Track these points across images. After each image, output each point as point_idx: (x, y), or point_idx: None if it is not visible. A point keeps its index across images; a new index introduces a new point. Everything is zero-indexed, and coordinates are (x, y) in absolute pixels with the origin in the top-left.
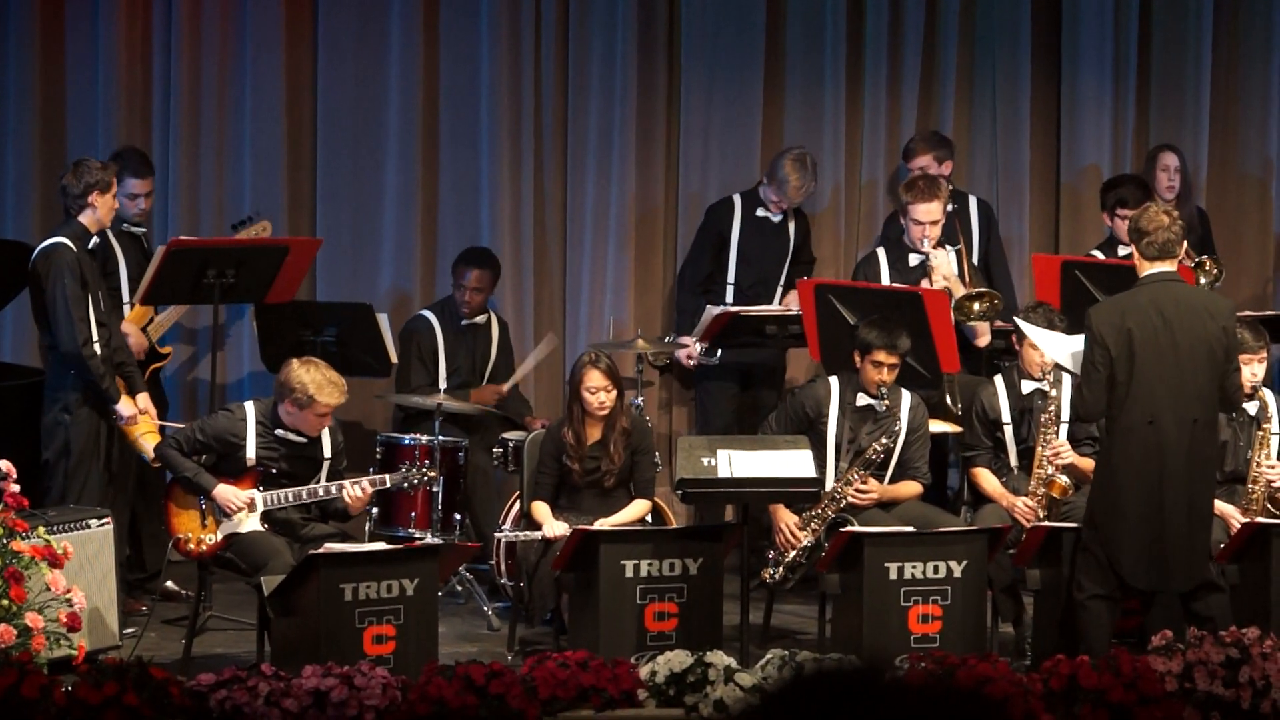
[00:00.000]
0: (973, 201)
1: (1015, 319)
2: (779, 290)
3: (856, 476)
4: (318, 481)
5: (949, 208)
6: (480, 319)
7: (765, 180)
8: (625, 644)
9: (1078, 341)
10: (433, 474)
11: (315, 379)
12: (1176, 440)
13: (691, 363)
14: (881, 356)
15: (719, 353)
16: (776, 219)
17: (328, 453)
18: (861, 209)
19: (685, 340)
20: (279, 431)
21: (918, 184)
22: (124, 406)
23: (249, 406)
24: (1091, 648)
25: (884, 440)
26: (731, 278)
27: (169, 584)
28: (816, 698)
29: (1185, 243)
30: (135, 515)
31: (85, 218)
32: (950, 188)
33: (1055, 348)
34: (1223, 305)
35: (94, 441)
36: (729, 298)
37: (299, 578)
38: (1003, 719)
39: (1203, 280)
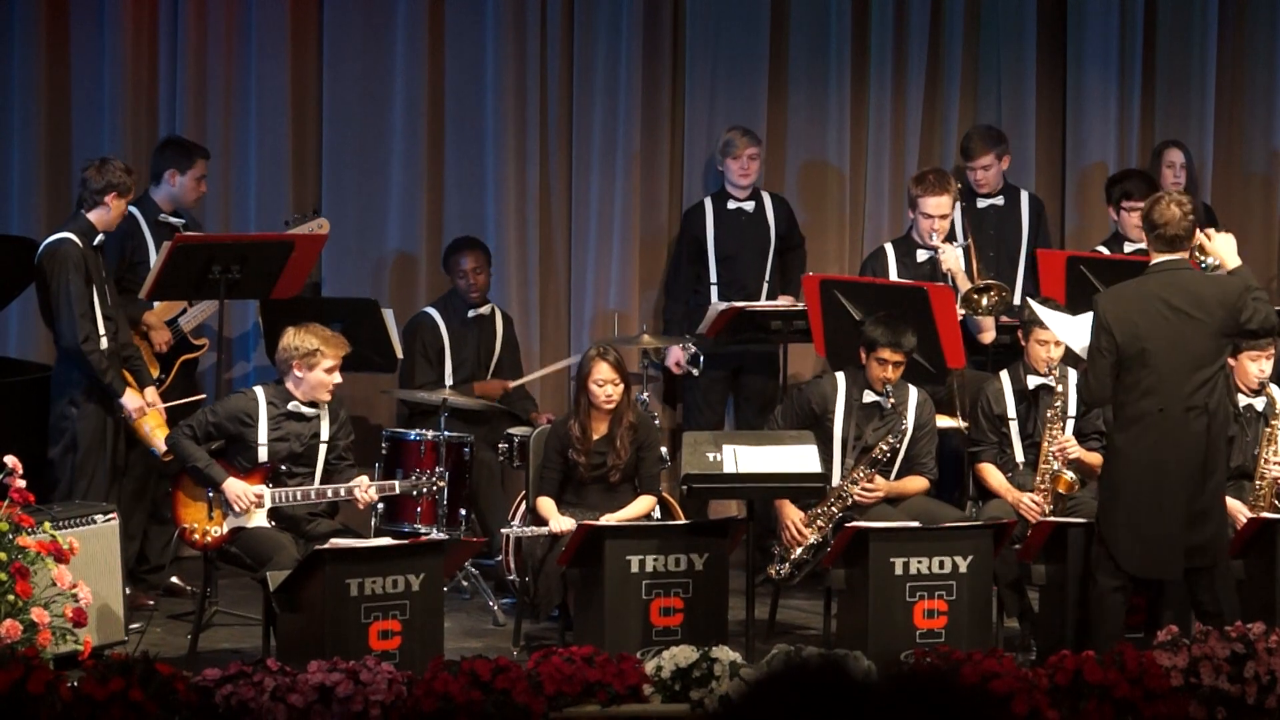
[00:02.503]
0: (1024, 196)
1: (1030, 300)
2: (765, 285)
3: (862, 475)
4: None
5: (998, 200)
6: (484, 310)
7: (719, 164)
8: (631, 639)
9: (1086, 324)
10: (441, 483)
11: (319, 334)
12: (1187, 428)
13: (679, 370)
14: (887, 354)
15: (701, 360)
16: (750, 208)
17: (325, 434)
18: (866, 207)
19: (673, 349)
20: (291, 405)
21: (928, 177)
22: (129, 400)
23: (258, 389)
24: (1108, 641)
25: (890, 439)
26: (714, 277)
27: (174, 580)
28: (789, 693)
29: (1197, 233)
30: (139, 508)
31: (95, 215)
32: (1000, 183)
33: (1066, 330)
34: (1232, 285)
35: (100, 436)
36: (714, 298)
37: (305, 573)
38: (984, 709)
39: (1211, 260)
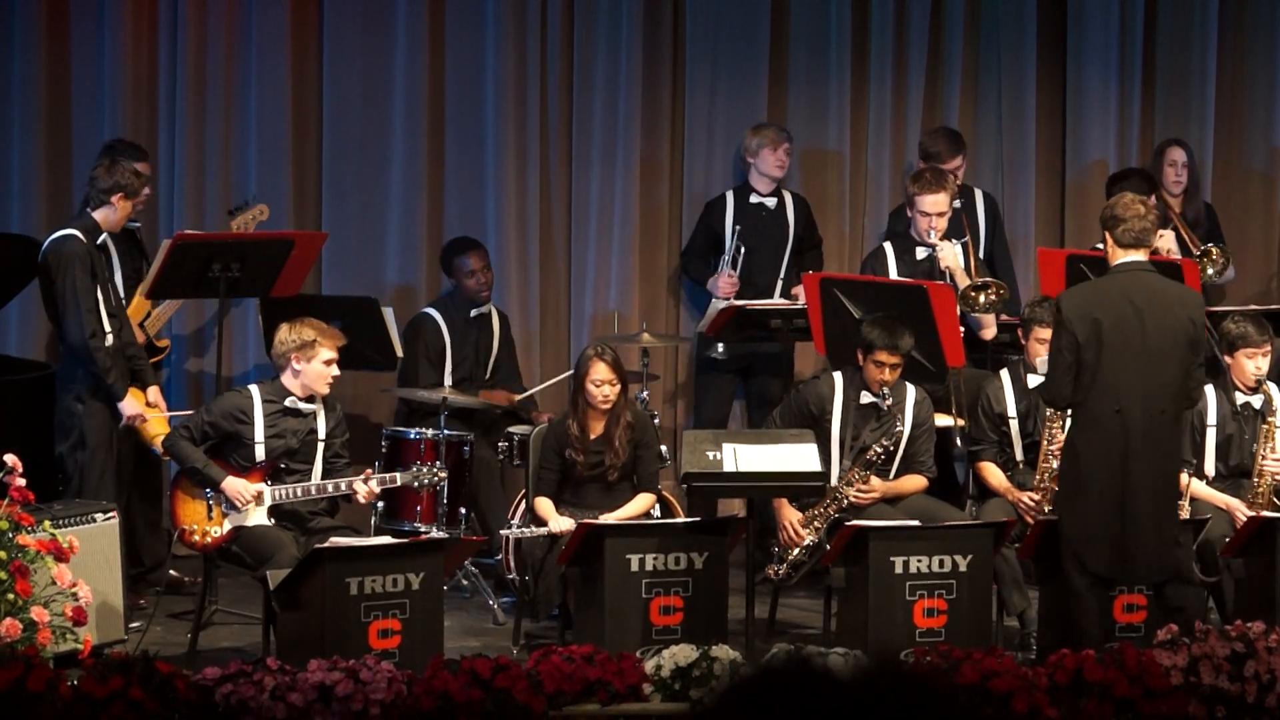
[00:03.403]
0: (979, 195)
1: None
2: (779, 283)
3: (857, 477)
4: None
5: (956, 202)
6: (484, 309)
7: (750, 159)
8: (630, 638)
9: None
10: (442, 474)
11: (315, 326)
12: (1143, 430)
13: (729, 289)
14: (884, 357)
15: (742, 250)
16: (772, 204)
17: (322, 432)
18: (867, 204)
19: (717, 281)
20: (288, 402)
21: (925, 175)
22: (127, 405)
23: (253, 388)
24: (1088, 636)
25: (885, 441)
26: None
27: (172, 572)
28: (757, 697)
29: (1160, 231)
30: (131, 509)
31: (101, 214)
32: (959, 181)
33: None
34: (1192, 297)
35: (107, 433)
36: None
37: (304, 571)
38: (950, 706)
39: (1210, 270)
